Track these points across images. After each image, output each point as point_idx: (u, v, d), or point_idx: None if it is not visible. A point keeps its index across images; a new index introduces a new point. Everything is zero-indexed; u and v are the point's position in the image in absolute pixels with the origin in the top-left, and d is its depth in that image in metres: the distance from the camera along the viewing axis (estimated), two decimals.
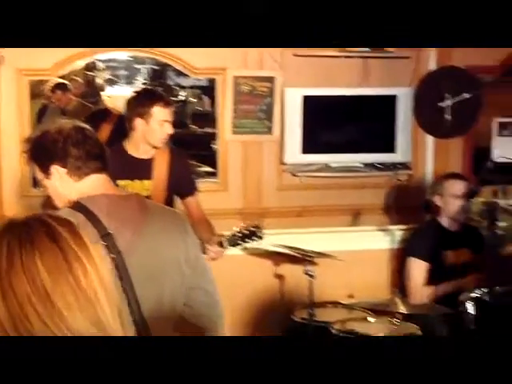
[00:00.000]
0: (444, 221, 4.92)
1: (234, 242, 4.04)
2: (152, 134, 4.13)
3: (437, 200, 4.93)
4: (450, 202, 4.87)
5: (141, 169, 4.24)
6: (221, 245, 4.03)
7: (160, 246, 2.48)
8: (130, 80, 6.60)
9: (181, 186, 4.38)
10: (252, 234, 4.05)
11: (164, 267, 2.49)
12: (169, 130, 4.19)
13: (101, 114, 6.13)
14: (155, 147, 4.20)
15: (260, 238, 4.08)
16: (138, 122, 4.14)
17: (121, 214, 2.43)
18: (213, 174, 5.58)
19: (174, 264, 2.52)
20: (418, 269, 4.91)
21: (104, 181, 2.51)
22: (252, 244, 4.18)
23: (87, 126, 2.54)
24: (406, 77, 5.60)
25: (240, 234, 4.06)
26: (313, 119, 5.46)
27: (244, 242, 4.08)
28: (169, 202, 4.19)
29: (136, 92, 4.47)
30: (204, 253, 4.01)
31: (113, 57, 6.04)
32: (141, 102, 4.18)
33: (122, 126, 4.39)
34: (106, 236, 2.34)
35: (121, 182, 4.13)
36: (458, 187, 4.84)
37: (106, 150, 2.55)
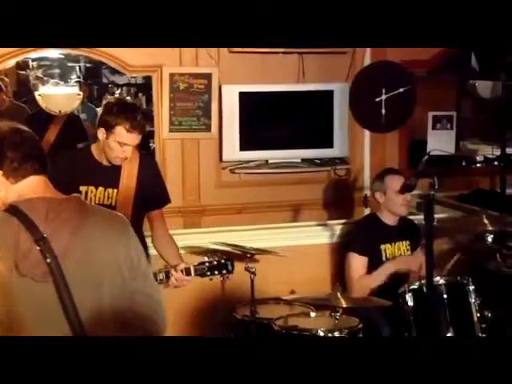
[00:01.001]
0: (384, 216, 4.94)
1: (201, 271, 3.98)
2: (108, 149, 3.98)
3: (377, 196, 4.94)
4: (391, 197, 4.88)
5: (107, 176, 4.08)
6: (188, 272, 3.97)
7: (98, 249, 2.43)
8: (63, 78, 6.47)
9: (149, 197, 4.20)
10: (222, 266, 3.99)
11: (102, 270, 2.45)
12: (127, 153, 4.02)
13: (44, 115, 6.02)
14: None
15: (230, 271, 4.03)
16: (100, 131, 3.99)
17: (58, 216, 2.38)
18: None
19: (113, 267, 2.47)
20: (357, 263, 4.93)
21: (42, 183, 2.45)
22: (220, 276, 4.10)
23: (25, 128, 2.49)
24: (342, 72, 5.63)
25: (209, 265, 4.00)
26: (250, 116, 5.47)
27: (212, 274, 4.02)
28: (135, 214, 4.06)
29: (115, 102, 4.36)
30: (167, 277, 3.98)
31: (45, 55, 5.93)
32: (110, 114, 4.02)
33: (71, 128, 4.29)
34: (40, 240, 2.29)
35: (83, 188, 4.04)
36: (397, 182, 4.85)
37: (44, 151, 2.51)
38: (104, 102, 4.17)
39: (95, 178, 4.04)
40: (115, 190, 4.08)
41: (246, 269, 4.68)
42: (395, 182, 4.84)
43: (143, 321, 2.55)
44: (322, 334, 4.36)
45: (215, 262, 3.99)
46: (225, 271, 4.02)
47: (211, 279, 4.03)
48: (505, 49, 5.43)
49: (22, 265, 2.27)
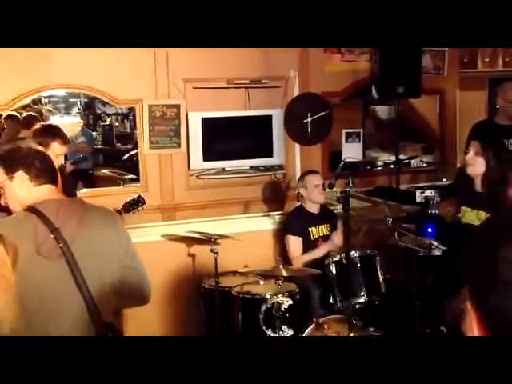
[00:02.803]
0: (308, 206, 4.97)
1: (126, 208, 4.07)
2: None
3: (302, 191, 4.97)
4: (311, 190, 4.93)
5: None
6: (120, 213, 4.01)
7: (98, 236, 2.47)
8: (67, 111, 6.44)
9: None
10: (137, 201, 4.08)
11: (102, 252, 2.47)
12: (61, 161, 4.07)
13: None
14: None
15: (143, 203, 4.13)
16: None
17: (66, 212, 2.41)
18: (136, 180, 5.46)
19: (110, 249, 2.50)
20: (293, 242, 4.93)
21: (53, 189, 2.50)
22: (139, 209, 4.16)
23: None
24: (278, 101, 5.61)
25: (129, 203, 4.10)
26: (210, 135, 5.43)
27: (133, 208, 4.09)
28: None
29: (42, 125, 4.31)
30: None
31: (53, 93, 5.87)
32: (43, 135, 4.01)
33: None
34: (54, 230, 2.33)
35: None
36: (314, 179, 4.91)
37: (55, 168, 2.57)
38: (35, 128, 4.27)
39: None
40: None
41: (211, 250, 4.64)
42: (312, 179, 4.91)
43: (132, 288, 2.59)
44: (268, 296, 4.35)
45: (132, 201, 4.06)
46: (140, 203, 4.10)
47: (134, 213, 4.11)
48: (395, 82, 5.48)
49: (41, 249, 2.30)
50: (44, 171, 2.45)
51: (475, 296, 1.00)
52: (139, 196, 4.11)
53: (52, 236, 2.31)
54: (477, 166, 3.75)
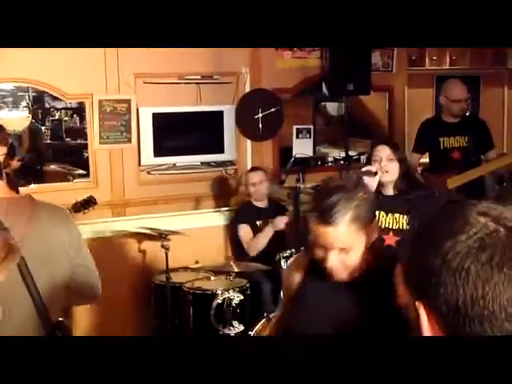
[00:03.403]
0: (254, 201, 5.06)
1: (76, 208, 3.99)
2: None
3: (247, 188, 5.16)
4: (251, 188, 5.09)
5: None
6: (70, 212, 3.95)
7: (49, 235, 2.43)
8: (15, 105, 6.31)
9: None
10: (88, 201, 4.02)
11: (53, 251, 2.44)
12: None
13: None
14: None
15: (95, 203, 4.06)
16: None
17: (15, 211, 2.36)
18: (86, 175, 5.38)
19: (61, 248, 2.46)
20: (243, 230, 5.05)
21: (1, 186, 2.43)
22: (90, 209, 4.10)
23: None
24: (230, 97, 5.61)
25: (79, 204, 4.04)
26: (161, 131, 5.39)
27: (84, 208, 4.03)
28: None
29: None
30: None
31: (1, 87, 5.74)
32: None
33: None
34: (3, 230, 2.17)
35: None
36: (252, 177, 5.09)
37: (0, 164, 2.49)
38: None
39: None
40: None
41: (162, 246, 4.63)
42: (250, 176, 5.13)
43: (82, 287, 2.56)
44: (219, 291, 4.37)
45: (83, 201, 4.01)
46: (91, 203, 4.04)
47: (84, 213, 4.02)
48: (345, 79, 5.53)
49: None
50: None
51: (424, 293, 1.01)
52: (90, 196, 4.04)
53: (1, 237, 2.28)
54: (392, 172, 3.51)
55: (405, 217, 3.49)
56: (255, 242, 4.95)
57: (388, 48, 6.24)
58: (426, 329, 1.02)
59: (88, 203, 3.96)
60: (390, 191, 3.57)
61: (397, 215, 3.50)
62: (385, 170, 3.48)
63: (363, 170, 3.52)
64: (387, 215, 3.51)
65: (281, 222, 4.90)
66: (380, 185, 3.51)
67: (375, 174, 3.45)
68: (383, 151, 3.53)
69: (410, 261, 1.06)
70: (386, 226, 3.50)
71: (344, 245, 2.02)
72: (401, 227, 3.50)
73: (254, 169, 5.18)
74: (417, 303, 1.02)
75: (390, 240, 3.49)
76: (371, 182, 3.40)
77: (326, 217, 1.98)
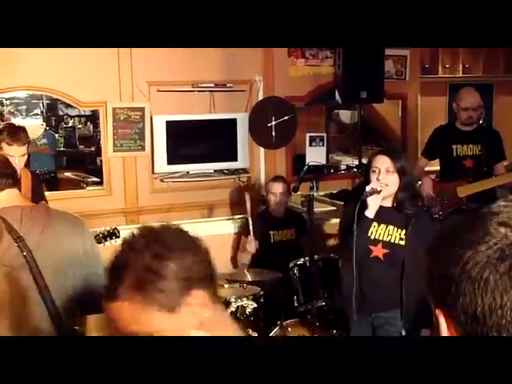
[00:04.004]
0: (271, 210, 4.95)
1: (98, 240, 3.82)
2: None
3: (266, 196, 5.00)
4: (272, 198, 4.90)
5: None
6: None
7: (62, 243, 2.41)
8: (29, 113, 6.34)
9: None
10: (111, 234, 3.84)
11: (66, 258, 2.42)
12: (24, 161, 3.84)
13: None
14: None
15: (118, 237, 3.85)
16: None
17: (30, 220, 2.35)
18: (100, 183, 5.38)
19: (74, 255, 2.45)
20: (244, 240, 4.94)
21: (15, 194, 2.43)
22: (112, 242, 3.80)
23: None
24: (243, 105, 5.61)
25: (101, 235, 3.78)
26: (175, 139, 5.40)
27: (105, 241, 3.79)
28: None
29: (4, 126, 4.12)
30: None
31: (15, 95, 5.75)
32: (4, 135, 3.86)
33: None
34: (17, 238, 2.27)
35: None
36: (273, 187, 4.89)
37: (15, 169, 2.49)
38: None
39: None
40: None
41: None
42: (271, 186, 4.91)
43: (95, 294, 2.44)
44: (233, 299, 4.34)
45: (106, 232, 3.77)
46: (114, 237, 3.79)
47: (104, 245, 3.73)
48: (359, 87, 5.51)
49: (4, 258, 2.24)
50: (2, 175, 2.38)
51: (444, 302, 1.00)
52: (115, 228, 3.86)
53: (15, 244, 2.26)
54: (391, 185, 3.27)
55: (399, 231, 3.31)
56: (239, 256, 4.94)
57: (401, 56, 6.22)
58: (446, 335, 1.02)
59: (111, 236, 3.81)
60: (388, 203, 3.34)
61: (391, 227, 3.33)
62: (384, 183, 3.25)
63: (368, 189, 3.27)
64: (379, 226, 3.33)
65: (252, 246, 4.78)
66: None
67: (379, 191, 3.23)
68: (382, 162, 3.28)
69: (430, 269, 1.06)
70: (377, 237, 3.33)
71: None
72: (392, 240, 3.32)
73: (277, 178, 5.06)
74: (437, 311, 1.02)
75: (378, 252, 3.34)
76: (376, 200, 3.25)
77: None
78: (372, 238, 3.34)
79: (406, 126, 6.51)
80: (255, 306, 4.30)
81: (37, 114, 6.54)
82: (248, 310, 4.31)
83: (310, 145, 6.09)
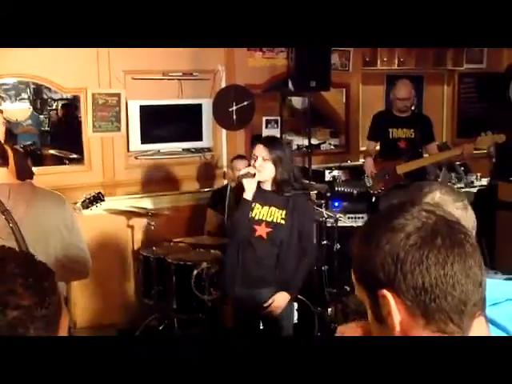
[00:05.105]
0: (232, 185, 4.90)
1: (85, 205, 3.72)
2: None
3: (229, 173, 4.95)
4: (237, 173, 4.65)
5: None
6: (79, 209, 3.70)
7: (44, 216, 2.41)
8: (17, 97, 6.16)
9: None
10: (96, 198, 3.75)
11: (49, 231, 2.43)
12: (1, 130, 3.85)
13: None
14: None
15: (102, 200, 3.75)
16: None
17: (16, 195, 2.34)
18: (81, 160, 5.27)
19: (56, 228, 2.46)
20: (209, 215, 4.99)
21: (4, 173, 2.40)
22: (97, 205, 3.72)
23: None
24: (207, 92, 5.55)
25: (88, 200, 3.68)
26: (147, 121, 5.31)
27: (92, 205, 3.71)
28: None
29: None
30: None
31: (4, 81, 5.58)
32: None
33: None
34: (4, 211, 2.27)
35: None
36: (238, 164, 4.76)
37: (5, 150, 2.45)
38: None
39: None
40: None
41: (148, 223, 4.57)
42: (236, 164, 4.73)
43: (74, 262, 2.53)
44: (199, 262, 4.34)
45: (91, 197, 3.64)
46: (99, 200, 3.68)
47: (91, 209, 3.64)
48: (309, 77, 5.49)
49: None
50: None
51: (390, 283, 1.00)
52: (99, 193, 3.76)
53: (3, 217, 2.25)
54: (266, 171, 3.22)
55: (280, 211, 3.26)
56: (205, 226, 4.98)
57: (345, 50, 6.22)
58: (396, 312, 1.01)
59: (96, 200, 3.71)
60: (267, 187, 3.29)
61: (273, 209, 3.27)
62: (259, 169, 3.21)
63: (242, 172, 3.27)
64: (262, 207, 3.28)
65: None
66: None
67: (254, 175, 3.21)
68: (260, 151, 3.24)
69: (362, 259, 1.05)
70: (260, 217, 3.28)
71: None
72: (274, 220, 3.26)
73: (239, 157, 5.03)
74: (382, 291, 1.01)
75: (262, 231, 3.27)
76: (251, 183, 3.22)
77: None
78: (256, 218, 3.28)
79: (349, 111, 6.54)
80: (217, 268, 4.30)
81: (24, 99, 6.36)
82: (211, 272, 4.32)
83: (266, 127, 6.08)
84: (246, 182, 3.22)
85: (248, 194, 3.25)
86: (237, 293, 3.38)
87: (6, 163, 2.42)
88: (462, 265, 0.98)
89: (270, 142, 3.33)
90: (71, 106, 6.85)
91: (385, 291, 1.01)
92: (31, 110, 6.20)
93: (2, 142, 3.60)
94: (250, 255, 3.31)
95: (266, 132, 6.05)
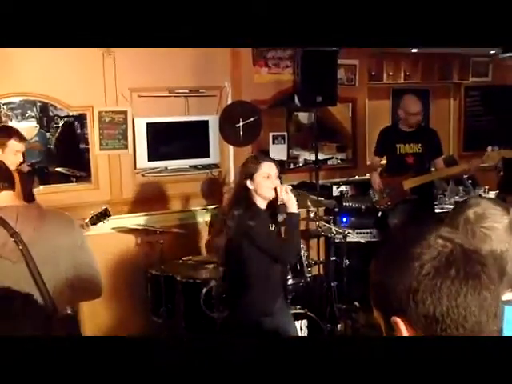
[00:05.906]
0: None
1: (93, 221, 3.76)
2: (7, 160, 3.62)
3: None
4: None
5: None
6: (87, 225, 3.72)
7: (54, 238, 2.38)
8: (24, 115, 6.18)
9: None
10: (103, 214, 3.78)
11: (59, 252, 2.39)
12: (20, 158, 3.78)
13: None
14: None
15: (109, 215, 3.80)
16: None
17: (25, 217, 2.32)
18: (88, 178, 5.26)
19: (66, 249, 2.41)
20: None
21: (12, 195, 2.40)
22: (104, 221, 3.82)
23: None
24: (214, 108, 5.55)
25: (95, 216, 3.76)
26: (154, 138, 5.30)
27: (99, 221, 3.76)
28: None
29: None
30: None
31: (11, 100, 5.60)
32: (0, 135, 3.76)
33: None
34: (14, 234, 2.25)
35: None
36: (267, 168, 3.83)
37: (12, 173, 2.46)
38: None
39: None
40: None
41: (156, 241, 4.55)
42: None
43: (86, 282, 2.50)
44: (208, 280, 4.30)
45: (98, 214, 3.74)
46: (106, 216, 3.78)
47: (99, 225, 3.76)
48: (315, 92, 5.49)
49: (1, 251, 2.23)
50: (1, 179, 2.34)
51: (402, 311, 1.00)
52: (106, 209, 3.79)
53: (12, 239, 2.24)
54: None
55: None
56: (213, 241, 4.91)
57: (351, 64, 6.21)
58: None
59: (103, 216, 3.74)
60: (263, 205, 3.25)
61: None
62: (272, 186, 3.21)
63: (280, 203, 3.23)
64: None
65: None
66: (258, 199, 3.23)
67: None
68: (273, 169, 3.22)
69: (377, 285, 1.06)
70: None
71: None
72: None
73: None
74: (394, 319, 1.01)
75: None
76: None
77: None
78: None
79: (355, 125, 6.52)
80: (227, 286, 4.25)
81: (31, 117, 6.36)
82: (221, 289, 4.27)
83: (273, 142, 6.07)
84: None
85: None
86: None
87: (12, 187, 2.43)
88: (476, 297, 0.97)
89: (274, 160, 3.39)
90: (78, 123, 6.86)
91: (397, 319, 1.01)
92: (38, 128, 6.21)
93: (14, 168, 3.64)
94: None
95: (272, 147, 6.04)
